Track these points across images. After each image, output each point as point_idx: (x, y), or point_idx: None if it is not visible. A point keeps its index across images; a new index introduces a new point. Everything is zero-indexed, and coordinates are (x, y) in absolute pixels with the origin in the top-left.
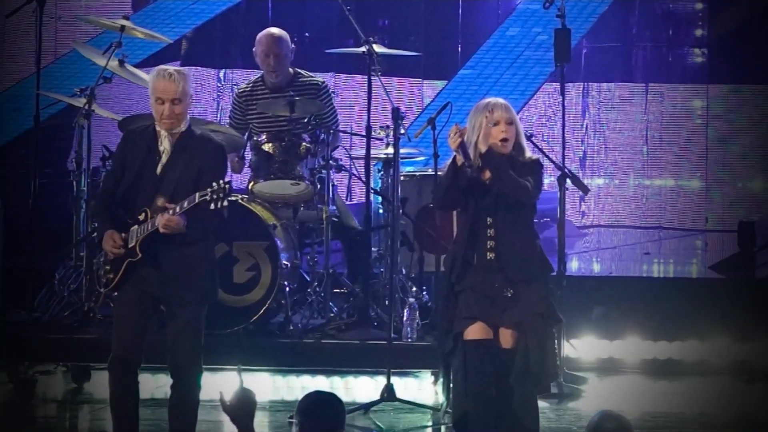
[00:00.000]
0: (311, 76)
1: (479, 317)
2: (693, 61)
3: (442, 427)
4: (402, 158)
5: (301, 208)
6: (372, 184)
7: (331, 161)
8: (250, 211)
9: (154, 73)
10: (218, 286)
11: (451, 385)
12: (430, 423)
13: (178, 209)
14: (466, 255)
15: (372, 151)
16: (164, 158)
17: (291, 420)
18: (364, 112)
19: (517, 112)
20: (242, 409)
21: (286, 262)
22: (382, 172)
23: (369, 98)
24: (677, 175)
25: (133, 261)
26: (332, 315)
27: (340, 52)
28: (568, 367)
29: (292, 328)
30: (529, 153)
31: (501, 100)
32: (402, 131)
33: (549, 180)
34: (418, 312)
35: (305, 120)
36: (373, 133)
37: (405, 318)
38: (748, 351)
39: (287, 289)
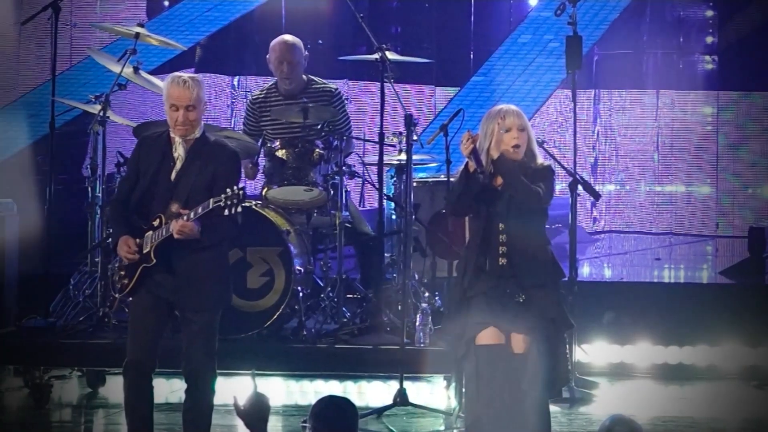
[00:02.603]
0: (324, 83)
1: (491, 322)
2: (703, 68)
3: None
4: (414, 164)
5: (315, 214)
6: (385, 190)
7: (344, 167)
8: (263, 217)
9: (169, 80)
10: (232, 292)
11: (464, 389)
12: (442, 427)
13: (192, 215)
14: (478, 261)
15: (385, 158)
16: (178, 164)
17: (304, 424)
18: (377, 119)
19: (529, 119)
20: (256, 413)
21: (299, 268)
22: (394, 179)
23: (382, 105)
24: (688, 181)
25: (148, 266)
26: (345, 320)
27: (353, 59)
28: (579, 371)
29: (305, 333)
30: (540, 159)
31: (513, 107)
32: (414, 138)
33: (560, 186)
34: (430, 317)
35: (318, 126)
36: (385, 139)
37: (418, 323)
38: (758, 356)
39: (301, 294)
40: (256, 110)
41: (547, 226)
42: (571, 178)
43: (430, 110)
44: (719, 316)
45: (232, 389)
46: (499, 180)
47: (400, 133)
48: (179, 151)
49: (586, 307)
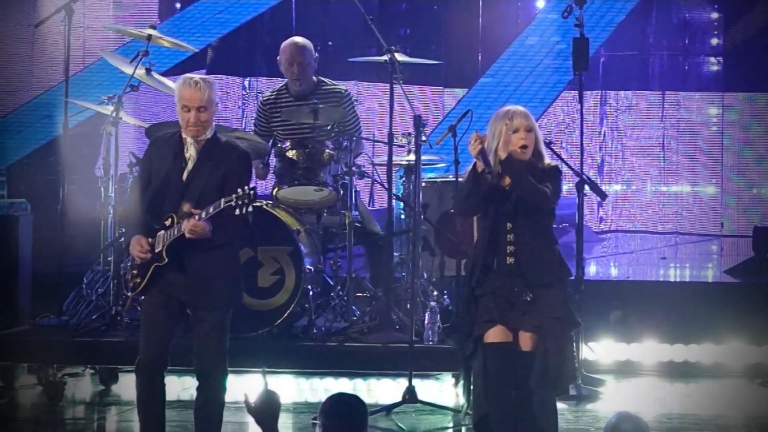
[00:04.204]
0: (334, 84)
1: (499, 321)
2: (709, 69)
3: (463, 429)
4: (423, 165)
5: (325, 214)
6: (394, 190)
7: (353, 168)
8: (274, 217)
9: (180, 81)
10: (243, 290)
11: (472, 387)
12: (450, 424)
13: (203, 215)
14: (486, 260)
15: (394, 158)
16: (190, 165)
17: (314, 421)
18: (386, 120)
19: (536, 120)
20: (267, 410)
21: (309, 267)
22: (403, 179)
23: (391, 106)
24: (693, 181)
25: (160, 265)
26: (355, 318)
27: (362, 61)
28: (586, 369)
29: (315, 331)
30: (548, 159)
31: (520, 108)
32: (423, 138)
33: (567, 186)
34: (439, 315)
35: (328, 127)
36: (395, 140)
37: (426, 321)
38: (763, 354)
39: (311, 293)
40: (267, 111)
41: (554, 226)
42: (577, 178)
43: (438, 111)
44: (724, 314)
45: (243, 387)
46: (507, 180)
47: (409, 134)
48: (191, 152)
49: (593, 305)
